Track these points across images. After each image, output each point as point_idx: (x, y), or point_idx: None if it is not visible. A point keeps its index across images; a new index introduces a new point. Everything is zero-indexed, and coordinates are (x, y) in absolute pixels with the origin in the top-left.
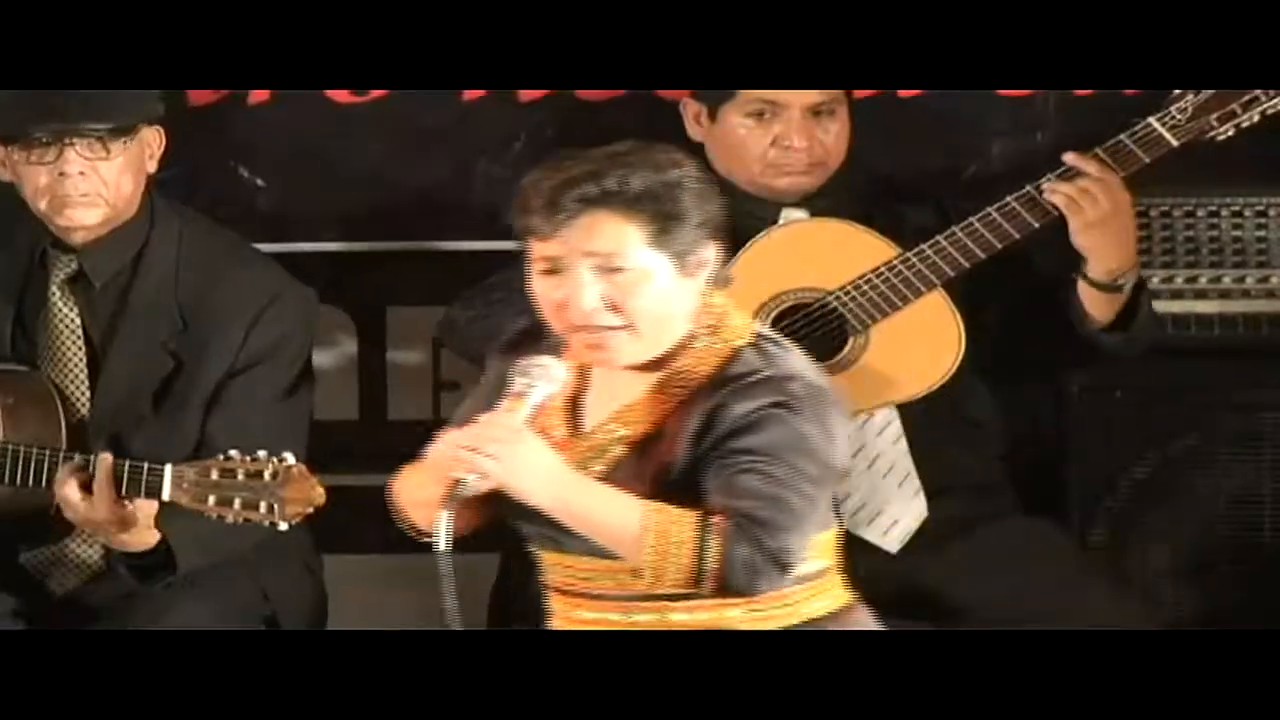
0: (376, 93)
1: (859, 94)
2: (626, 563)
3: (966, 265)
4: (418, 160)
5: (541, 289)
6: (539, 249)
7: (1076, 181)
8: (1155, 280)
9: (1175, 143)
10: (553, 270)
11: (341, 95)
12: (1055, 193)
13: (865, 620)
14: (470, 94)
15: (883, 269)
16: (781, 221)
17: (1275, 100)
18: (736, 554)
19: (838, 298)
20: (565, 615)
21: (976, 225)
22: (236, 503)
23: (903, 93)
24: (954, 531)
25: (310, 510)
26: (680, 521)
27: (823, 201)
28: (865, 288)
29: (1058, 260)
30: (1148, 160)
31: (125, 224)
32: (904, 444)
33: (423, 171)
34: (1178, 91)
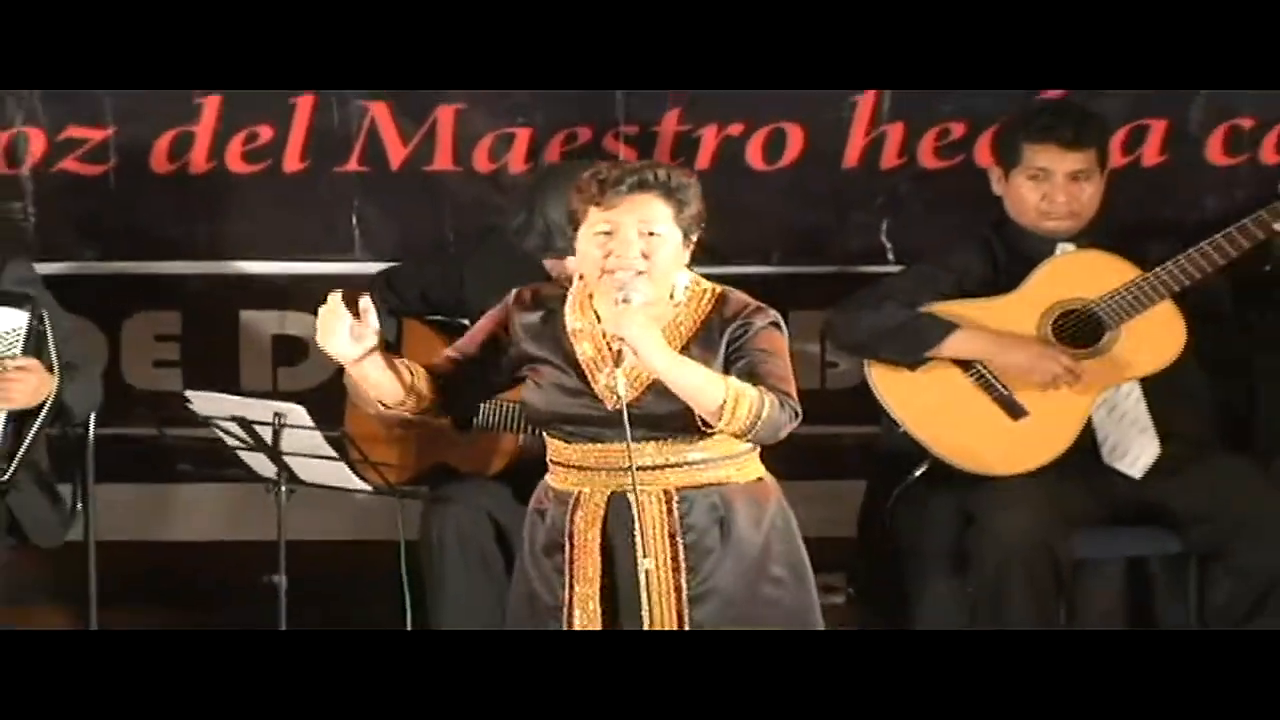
0: None
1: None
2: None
3: (1188, 282)
4: None
5: (591, 244)
6: (598, 215)
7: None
8: None
9: None
10: (608, 233)
11: None
12: (1262, 224)
13: (775, 486)
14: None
15: (1130, 284)
16: (1058, 252)
17: None
18: (778, 415)
19: (1098, 305)
20: (573, 481)
21: (1193, 254)
22: None
23: (1146, 163)
24: (1178, 464)
25: None
26: (748, 390)
27: (1086, 238)
28: (1117, 298)
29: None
30: None
31: None
32: (1144, 405)
33: None
34: None
